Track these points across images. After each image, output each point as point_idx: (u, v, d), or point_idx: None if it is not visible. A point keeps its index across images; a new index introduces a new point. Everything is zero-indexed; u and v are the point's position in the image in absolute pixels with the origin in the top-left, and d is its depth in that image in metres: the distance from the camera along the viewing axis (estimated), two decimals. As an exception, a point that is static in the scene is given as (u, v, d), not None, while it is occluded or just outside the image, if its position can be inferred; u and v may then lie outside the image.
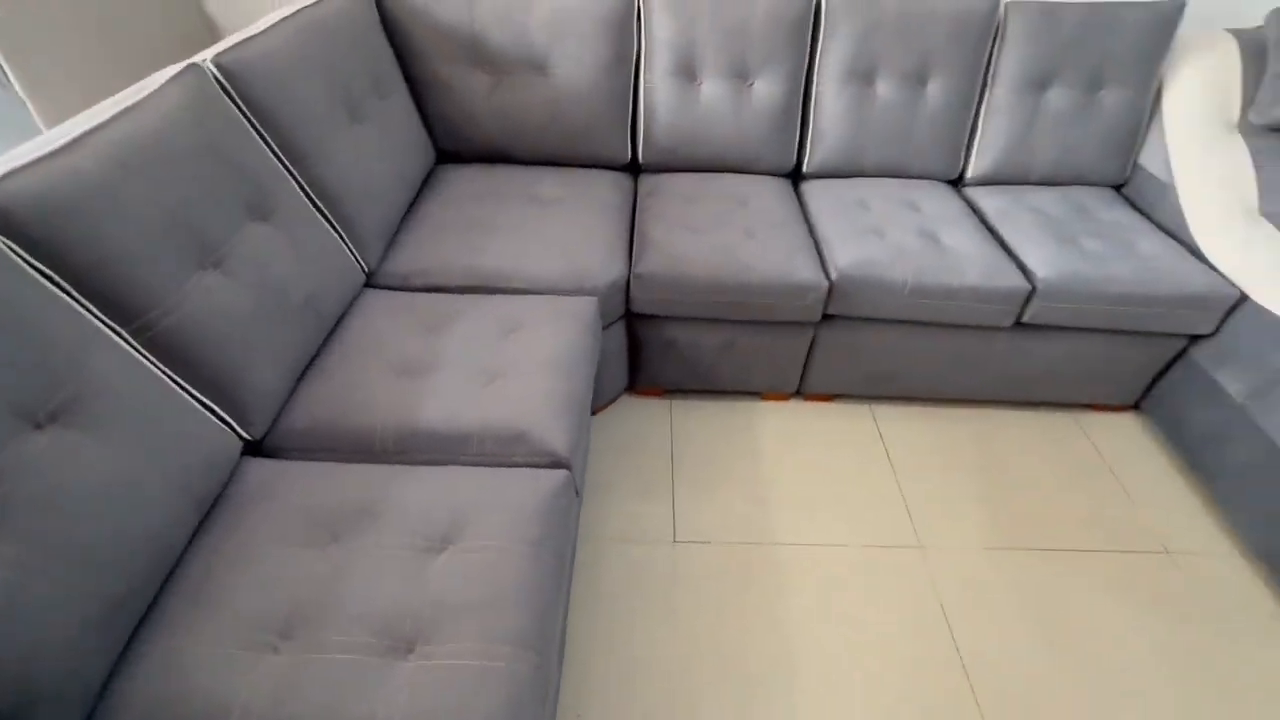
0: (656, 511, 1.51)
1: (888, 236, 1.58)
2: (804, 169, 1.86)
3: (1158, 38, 1.68)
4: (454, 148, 1.82)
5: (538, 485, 1.01)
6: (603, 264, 1.47)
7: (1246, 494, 1.44)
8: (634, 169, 1.90)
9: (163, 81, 0.99)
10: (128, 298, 0.86)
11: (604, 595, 1.34)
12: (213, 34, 1.97)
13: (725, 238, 1.55)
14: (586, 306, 1.37)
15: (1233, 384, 1.47)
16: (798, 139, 1.82)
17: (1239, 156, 1.66)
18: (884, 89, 1.75)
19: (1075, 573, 1.41)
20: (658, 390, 1.80)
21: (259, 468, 1.01)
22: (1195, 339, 1.59)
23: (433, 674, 0.77)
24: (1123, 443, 1.71)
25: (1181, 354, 1.63)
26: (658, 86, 1.74)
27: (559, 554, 0.95)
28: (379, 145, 1.48)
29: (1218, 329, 1.54)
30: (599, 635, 1.27)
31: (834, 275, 1.50)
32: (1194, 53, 1.71)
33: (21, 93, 1.40)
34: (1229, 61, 1.69)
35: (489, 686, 0.77)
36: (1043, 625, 1.31)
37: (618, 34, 1.68)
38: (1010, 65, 1.72)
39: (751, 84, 1.74)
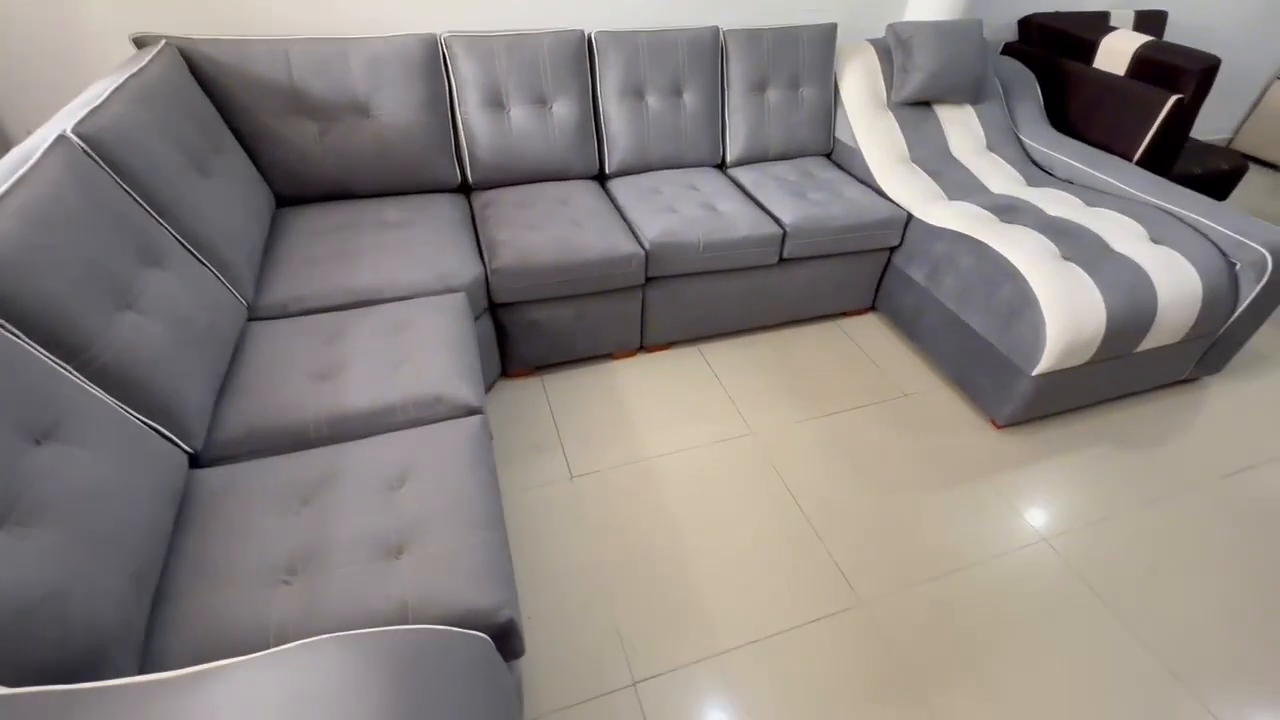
0: (552, 461, 1.82)
1: (679, 211, 2.06)
2: (606, 170, 2.29)
3: (825, 49, 2.37)
4: (293, 191, 1.95)
5: (460, 429, 1.28)
6: (462, 265, 1.75)
7: (940, 345, 2.13)
8: (465, 189, 2.19)
9: (39, 154, 1.10)
10: (69, 338, 0.98)
11: (525, 529, 1.62)
12: (-16, 110, 1.89)
13: (558, 230, 1.91)
14: (458, 300, 1.64)
15: (917, 273, 2.17)
16: (596, 147, 2.25)
17: (891, 125, 2.41)
18: (653, 101, 2.24)
19: (853, 422, 1.99)
20: (528, 371, 2.10)
21: (210, 475, 1.15)
22: (892, 250, 2.29)
23: (426, 562, 1.02)
24: (868, 333, 2.38)
25: (888, 264, 2.33)
26: (473, 116, 2.06)
27: (490, 469, 1.23)
28: (229, 194, 1.61)
29: (902, 240, 2.24)
30: (530, 557, 1.55)
31: (647, 245, 1.93)
32: (850, 58, 2.44)
33: None
34: (871, 62, 2.43)
35: (470, 558, 1.04)
36: (840, 459, 1.86)
37: (428, 76, 1.97)
38: (737, 75, 2.30)
39: (551, 107, 2.13)
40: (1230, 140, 4.09)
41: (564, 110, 2.13)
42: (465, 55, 1.99)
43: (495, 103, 2.07)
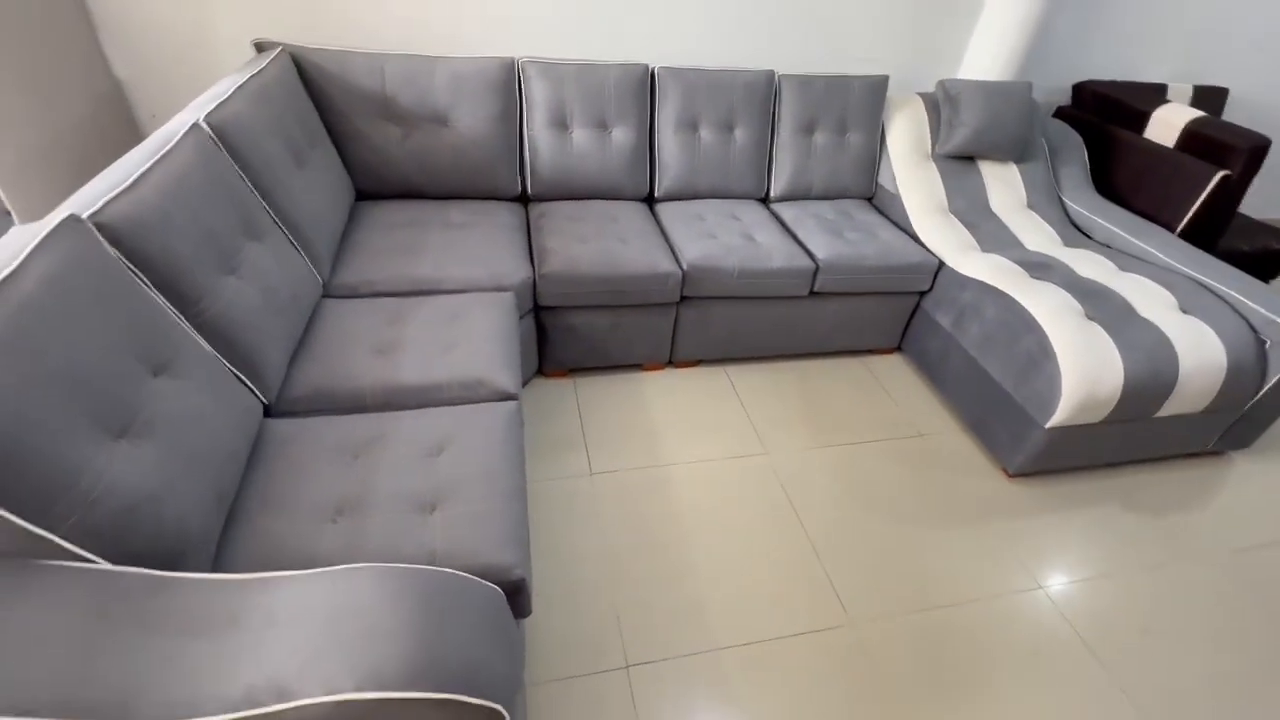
0: (575, 457, 1.94)
1: (719, 238, 2.19)
2: (656, 194, 2.45)
3: (875, 98, 2.49)
4: (373, 187, 2.17)
5: (497, 412, 1.42)
6: (514, 267, 1.91)
7: (960, 390, 2.19)
8: (524, 199, 2.38)
9: (179, 136, 1.30)
10: (186, 292, 1.17)
11: (544, 516, 1.74)
12: (121, 94, 2.16)
13: (605, 244, 2.06)
14: (506, 298, 1.80)
15: (944, 319, 2.24)
16: (649, 172, 2.41)
17: (933, 175, 2.51)
18: (705, 135, 2.39)
19: (866, 454, 2.06)
20: (563, 372, 2.25)
21: (279, 424, 1.32)
22: (922, 295, 2.36)
23: (455, 520, 1.16)
24: (891, 372, 2.45)
25: (917, 307, 2.40)
26: (538, 135, 2.24)
27: (518, 449, 1.36)
28: (320, 184, 1.82)
29: (932, 285, 2.31)
30: (544, 541, 1.68)
31: (685, 266, 2.07)
32: (898, 109, 2.55)
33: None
34: (919, 114, 2.54)
35: (493, 522, 1.17)
36: (848, 488, 1.93)
37: (503, 94, 2.17)
38: (787, 117, 2.44)
39: (610, 132, 2.30)
40: (1293, 221, 4.00)
41: (622, 135, 2.30)
42: (538, 78, 2.19)
43: (560, 123, 2.25)
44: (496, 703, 0.87)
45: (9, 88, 1.70)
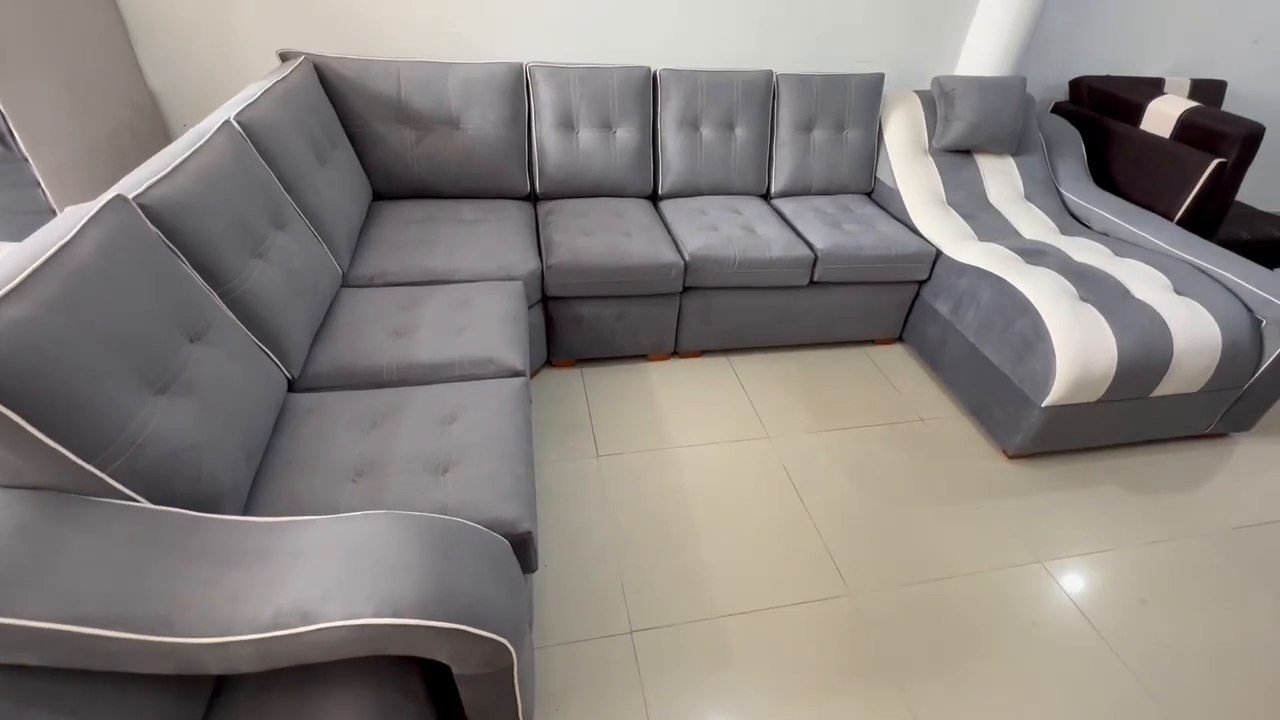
0: (582, 440, 2.01)
1: (720, 230, 2.26)
2: (659, 192, 2.54)
3: (872, 95, 2.57)
4: (388, 187, 2.28)
5: (505, 387, 1.50)
6: (522, 259, 2.00)
7: (959, 376, 2.23)
8: (533, 197, 2.47)
9: (212, 131, 1.41)
10: (218, 269, 1.26)
11: (553, 494, 1.81)
12: (155, 105, 2.30)
13: (610, 237, 2.14)
14: (516, 287, 1.88)
15: (942, 307, 2.29)
16: (652, 170, 2.50)
17: (930, 169, 2.57)
18: (707, 133, 2.48)
19: (867, 438, 2.11)
20: (570, 362, 2.32)
21: (303, 398, 1.41)
22: (920, 284, 2.41)
23: (466, 480, 1.23)
24: (893, 361, 2.49)
25: (916, 297, 2.45)
26: (546, 136, 2.35)
27: (525, 420, 1.43)
28: (340, 182, 1.93)
29: (930, 275, 2.37)
30: (553, 516, 1.74)
31: (687, 256, 2.14)
32: (895, 105, 2.63)
33: (25, 151, 1.69)
34: (915, 110, 2.61)
35: (501, 482, 1.24)
36: (849, 470, 1.98)
37: (512, 98, 2.27)
38: (786, 115, 2.52)
39: (615, 132, 2.40)
40: (1302, 214, 3.99)
41: (626, 135, 2.40)
42: (545, 82, 2.29)
43: (566, 125, 2.35)
44: (503, 637, 0.94)
45: (52, 98, 1.83)
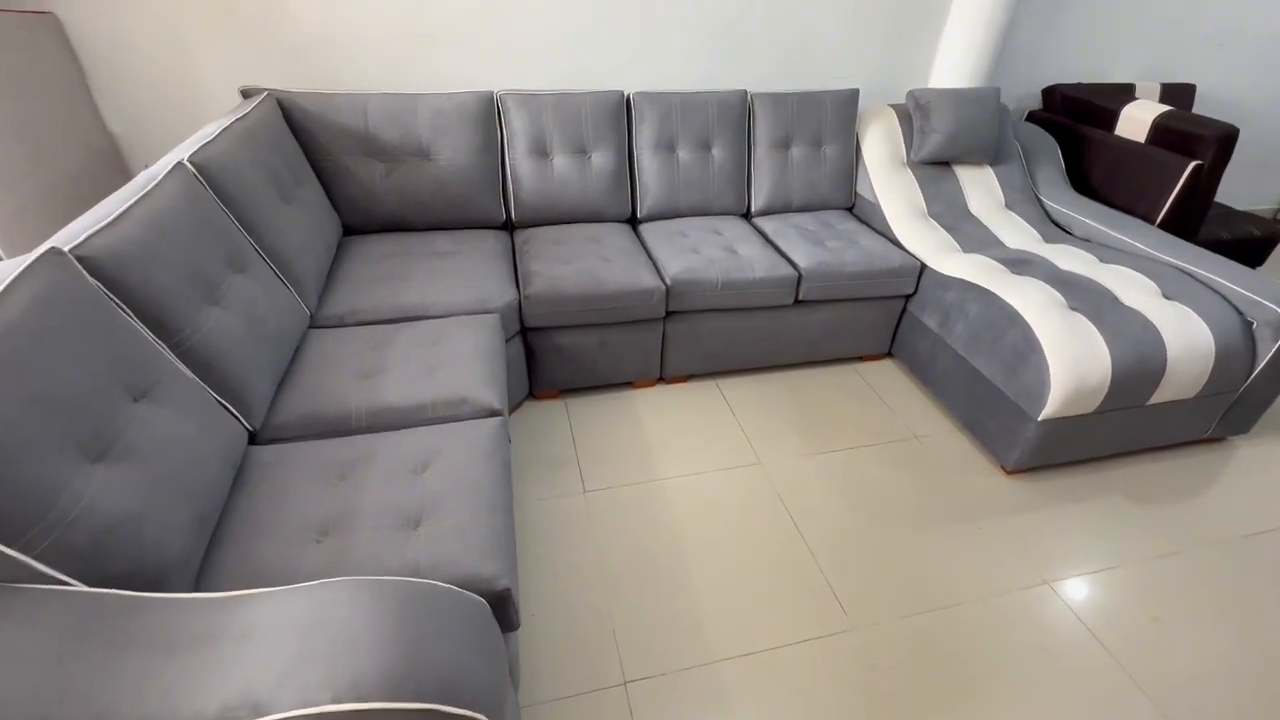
0: (567, 475, 1.94)
1: (702, 252, 2.22)
2: (638, 215, 2.49)
3: (848, 111, 2.55)
4: (359, 221, 2.22)
5: (481, 429, 1.42)
6: (499, 291, 1.94)
7: (951, 390, 2.18)
8: (509, 226, 2.42)
9: (162, 175, 1.34)
10: (168, 321, 1.19)
11: (538, 535, 1.73)
12: (116, 148, 2.24)
13: (589, 264, 2.09)
14: (492, 320, 1.82)
15: (930, 320, 2.25)
16: (630, 194, 2.46)
17: (910, 182, 2.55)
18: (684, 154, 2.45)
19: (861, 459, 2.04)
20: (553, 393, 2.25)
21: (265, 450, 1.33)
22: (908, 298, 2.38)
23: (439, 535, 1.15)
24: (883, 377, 2.44)
25: (904, 311, 2.42)
26: (519, 163, 2.30)
27: (504, 464, 1.36)
28: (306, 220, 1.86)
29: (916, 288, 2.33)
30: (539, 559, 1.66)
31: (669, 281, 2.09)
32: (872, 120, 2.61)
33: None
34: (892, 124, 2.60)
35: (478, 534, 1.16)
36: (845, 494, 1.91)
37: (483, 126, 2.23)
38: (762, 133, 2.50)
39: (590, 157, 2.36)
40: (1278, 211, 4.04)
41: (601, 160, 2.36)
42: (516, 109, 2.25)
43: (540, 151, 2.31)
44: (480, 712, 0.86)
45: (3, 140, 1.76)
